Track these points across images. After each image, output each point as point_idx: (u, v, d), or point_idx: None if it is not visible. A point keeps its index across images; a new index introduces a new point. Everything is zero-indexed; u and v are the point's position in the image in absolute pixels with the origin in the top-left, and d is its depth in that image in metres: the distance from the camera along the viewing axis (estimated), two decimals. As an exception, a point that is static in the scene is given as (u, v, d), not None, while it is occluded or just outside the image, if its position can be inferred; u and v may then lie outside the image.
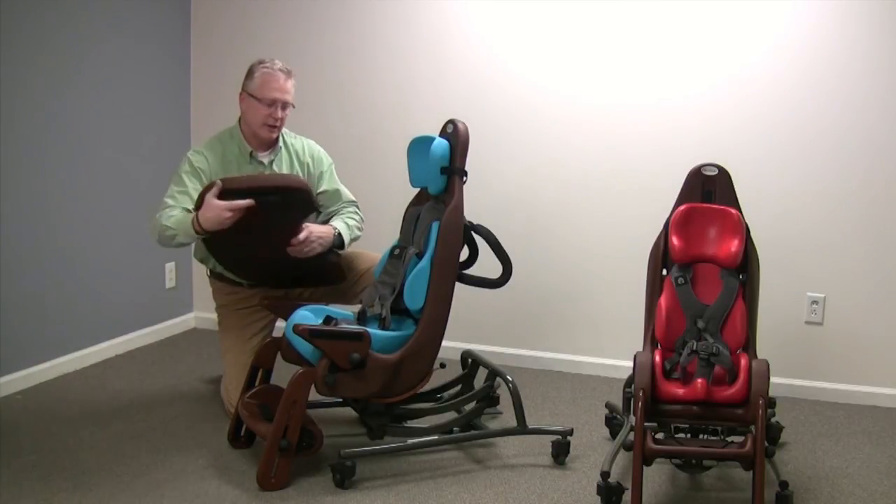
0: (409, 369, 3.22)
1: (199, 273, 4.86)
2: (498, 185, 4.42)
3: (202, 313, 4.89)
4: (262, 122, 3.52)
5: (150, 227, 3.45)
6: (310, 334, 3.07)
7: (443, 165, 3.28)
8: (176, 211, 3.38)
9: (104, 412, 3.71)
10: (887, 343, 4.06)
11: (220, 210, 3.19)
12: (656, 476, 3.24)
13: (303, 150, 3.71)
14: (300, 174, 3.65)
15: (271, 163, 3.62)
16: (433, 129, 3.44)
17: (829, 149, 4.05)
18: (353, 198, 3.82)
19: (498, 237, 3.39)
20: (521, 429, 3.41)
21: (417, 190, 3.47)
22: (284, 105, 3.54)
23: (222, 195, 3.20)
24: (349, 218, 3.70)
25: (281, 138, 3.65)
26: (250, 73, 3.55)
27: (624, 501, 2.95)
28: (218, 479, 3.14)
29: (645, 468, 2.85)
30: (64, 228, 4.11)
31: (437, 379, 3.49)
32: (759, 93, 4.09)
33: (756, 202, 3.77)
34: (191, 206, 3.35)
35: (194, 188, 3.42)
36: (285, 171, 3.64)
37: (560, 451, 3.36)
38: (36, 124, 3.92)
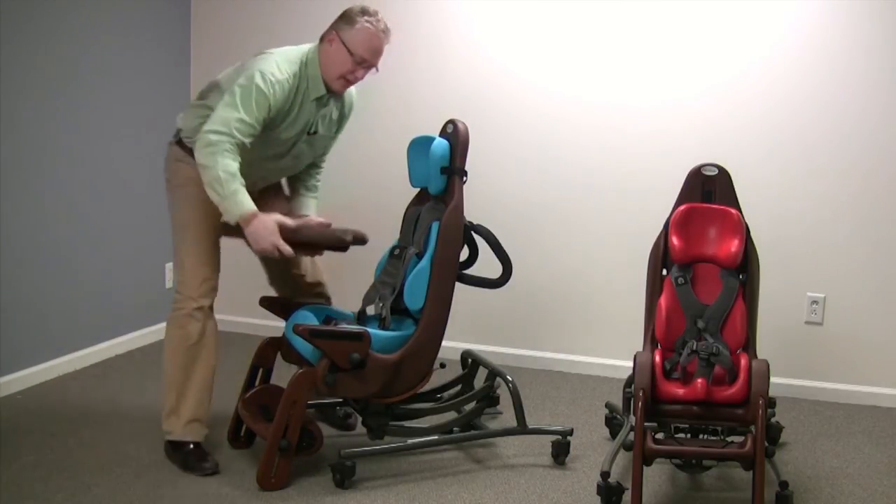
0: (409, 369, 3.22)
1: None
2: (498, 185, 4.42)
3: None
4: (339, 74, 3.21)
5: (201, 139, 3.03)
6: (310, 334, 3.06)
7: (443, 165, 3.28)
8: (232, 163, 3.01)
9: (104, 412, 3.71)
10: (887, 343, 4.06)
11: (270, 238, 3.06)
12: (656, 476, 3.24)
13: (349, 101, 3.46)
14: (333, 123, 3.40)
15: (328, 113, 3.34)
16: (433, 129, 3.43)
17: (829, 149, 4.05)
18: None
19: (498, 237, 3.39)
20: (521, 429, 3.41)
21: (417, 190, 3.47)
22: (370, 66, 3.26)
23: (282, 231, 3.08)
24: (308, 191, 3.56)
25: None
26: (350, 19, 3.20)
27: (624, 501, 2.95)
28: (218, 479, 3.14)
29: (645, 468, 2.85)
30: (64, 229, 4.11)
31: (437, 379, 3.49)
32: (759, 93, 4.09)
33: (756, 202, 3.77)
34: (249, 140, 3.05)
35: (258, 121, 3.08)
36: (329, 119, 3.35)
37: (560, 451, 3.36)
38: (35, 124, 3.92)
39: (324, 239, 3.27)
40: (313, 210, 3.51)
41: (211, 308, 3.27)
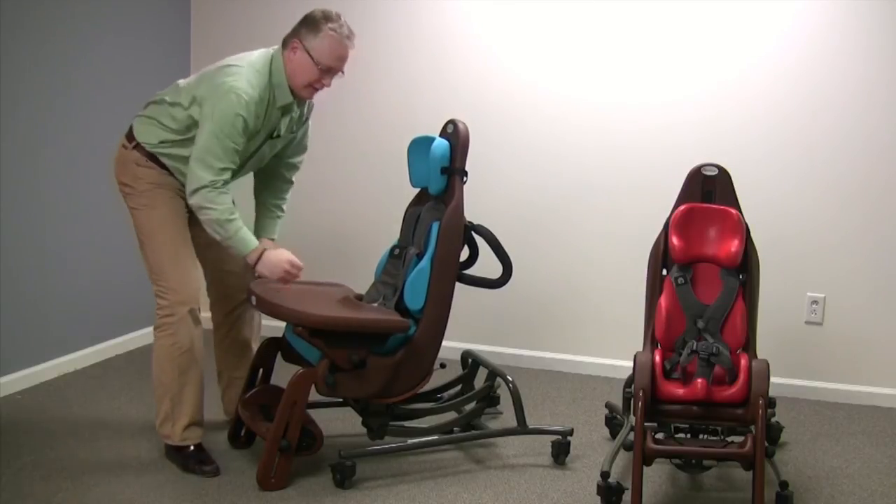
0: (410, 369, 3.22)
1: (199, 273, 4.86)
2: (498, 185, 4.42)
3: (202, 313, 4.88)
4: (306, 83, 3.15)
5: (193, 180, 3.01)
6: (309, 335, 3.06)
7: (443, 165, 3.28)
8: (227, 201, 3.03)
9: (104, 412, 3.71)
10: (887, 343, 4.06)
11: (282, 266, 3.10)
12: (656, 476, 3.24)
13: (308, 101, 3.38)
14: (293, 123, 3.31)
15: (292, 118, 3.29)
16: (433, 129, 3.44)
17: (829, 149, 4.05)
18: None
19: (498, 237, 3.39)
20: (521, 429, 3.41)
21: (417, 190, 3.47)
22: (337, 72, 3.19)
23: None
24: (281, 211, 3.49)
25: None
26: (314, 27, 3.12)
27: (624, 501, 2.95)
28: (218, 479, 3.14)
29: (645, 468, 2.85)
30: (64, 229, 4.10)
31: (437, 379, 3.49)
32: (759, 93, 4.09)
33: (756, 203, 3.77)
34: (236, 165, 3.08)
35: (241, 143, 3.08)
36: (290, 120, 3.26)
37: (560, 451, 3.36)
38: (35, 124, 3.92)
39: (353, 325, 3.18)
40: (276, 231, 3.48)
41: (199, 310, 3.24)
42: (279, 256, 3.14)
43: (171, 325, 3.17)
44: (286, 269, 3.13)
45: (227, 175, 3.06)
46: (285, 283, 3.17)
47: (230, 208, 3.05)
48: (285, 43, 3.19)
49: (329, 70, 3.16)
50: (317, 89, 3.21)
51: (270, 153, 3.35)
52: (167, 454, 3.29)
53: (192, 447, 3.23)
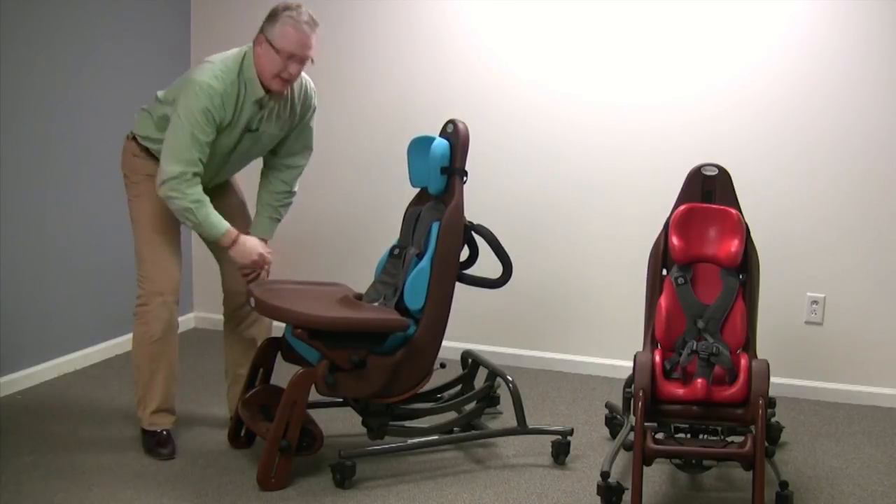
0: (410, 369, 3.22)
1: (199, 273, 4.86)
2: (498, 184, 4.42)
3: (202, 313, 4.89)
4: (274, 74, 3.17)
5: (162, 174, 3.09)
6: (309, 336, 3.06)
7: (443, 165, 3.28)
8: (197, 190, 3.11)
9: (104, 412, 3.72)
10: (887, 343, 4.06)
11: (254, 253, 3.22)
12: (656, 476, 3.24)
13: (299, 90, 3.38)
14: (284, 120, 3.35)
15: (272, 111, 3.30)
16: (433, 129, 3.44)
17: (828, 149, 4.05)
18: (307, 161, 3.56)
19: (498, 237, 3.39)
20: (521, 429, 3.41)
21: (417, 190, 3.47)
22: (302, 60, 3.20)
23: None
24: (276, 214, 3.51)
25: None
26: (273, 17, 3.18)
27: (624, 501, 2.95)
28: (218, 479, 3.15)
29: (645, 468, 2.85)
30: (64, 228, 4.11)
31: (437, 379, 3.49)
32: (759, 93, 4.09)
33: (756, 202, 3.77)
34: (205, 157, 3.14)
35: (209, 136, 3.14)
36: (275, 117, 3.29)
37: (560, 451, 3.36)
38: (36, 124, 3.92)
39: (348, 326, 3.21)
40: (270, 233, 3.52)
41: (176, 302, 3.32)
42: (252, 245, 3.24)
43: (146, 314, 3.28)
44: (255, 260, 3.22)
45: (197, 167, 3.13)
46: (252, 271, 3.26)
47: (197, 197, 3.13)
48: (253, 40, 3.24)
49: (291, 56, 3.16)
50: (285, 80, 3.21)
51: (256, 148, 3.38)
52: (141, 435, 3.40)
53: (159, 430, 3.35)
